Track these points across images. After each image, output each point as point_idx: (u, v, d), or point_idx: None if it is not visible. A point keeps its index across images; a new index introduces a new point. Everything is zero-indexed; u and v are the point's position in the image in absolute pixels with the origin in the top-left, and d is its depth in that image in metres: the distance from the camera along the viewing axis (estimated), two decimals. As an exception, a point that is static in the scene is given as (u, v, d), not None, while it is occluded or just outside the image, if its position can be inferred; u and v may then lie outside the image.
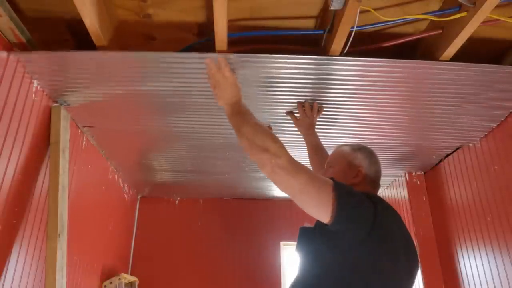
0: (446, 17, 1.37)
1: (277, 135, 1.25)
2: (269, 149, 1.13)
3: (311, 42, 1.55)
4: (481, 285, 1.96)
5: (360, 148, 1.39)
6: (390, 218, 1.17)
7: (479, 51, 1.55)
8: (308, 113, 1.74)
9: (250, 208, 3.31)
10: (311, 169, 1.64)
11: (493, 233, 1.88)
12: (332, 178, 1.11)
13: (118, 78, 1.64)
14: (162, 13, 1.48)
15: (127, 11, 1.47)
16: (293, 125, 1.86)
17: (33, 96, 1.65)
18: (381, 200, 1.19)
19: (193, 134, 2.11)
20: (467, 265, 2.09)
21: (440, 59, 1.48)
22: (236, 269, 3.10)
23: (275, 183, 1.13)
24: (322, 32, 1.47)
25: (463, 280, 2.12)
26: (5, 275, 1.49)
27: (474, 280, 2.02)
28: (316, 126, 1.79)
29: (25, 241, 1.61)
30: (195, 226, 3.25)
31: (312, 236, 1.17)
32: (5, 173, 1.48)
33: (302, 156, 1.95)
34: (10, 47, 1.51)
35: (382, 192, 2.99)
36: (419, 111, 1.80)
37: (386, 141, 2.11)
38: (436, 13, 1.41)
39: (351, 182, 1.28)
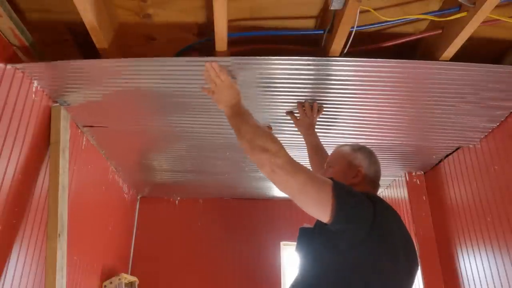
0: (446, 17, 1.37)
1: (277, 135, 1.26)
2: (269, 149, 1.13)
3: (311, 42, 1.55)
4: (481, 285, 1.96)
5: (360, 148, 1.39)
6: (390, 218, 1.17)
7: (479, 51, 1.55)
8: (308, 113, 1.74)
9: (250, 208, 3.31)
10: (311, 169, 1.64)
11: (493, 233, 1.88)
12: (331, 178, 1.11)
13: (118, 80, 1.64)
14: (162, 13, 1.48)
15: (127, 11, 1.47)
16: (293, 125, 1.86)
17: (33, 96, 1.65)
18: (381, 200, 1.19)
19: (193, 134, 2.11)
20: (467, 265, 2.09)
21: (440, 59, 1.48)
22: (236, 269, 3.10)
23: (275, 183, 1.13)
24: (322, 32, 1.47)
25: (463, 280, 2.12)
26: (5, 275, 1.50)
27: (474, 280, 2.02)
28: (316, 126, 1.79)
29: (25, 241, 1.61)
30: (195, 226, 3.25)
31: (311, 237, 1.17)
32: (5, 173, 1.48)
33: (302, 156, 1.95)
34: (10, 48, 1.51)
35: (382, 192, 2.99)
36: (419, 111, 1.79)
37: (386, 141, 2.11)
38: (436, 13, 1.41)
39: (351, 182, 1.28)
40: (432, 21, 1.46)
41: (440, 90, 1.63)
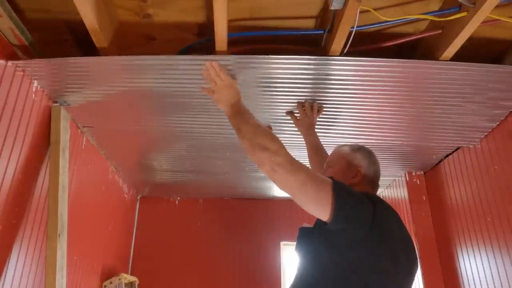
0: (446, 17, 1.37)
1: (277, 135, 1.26)
2: (269, 148, 1.13)
3: (311, 42, 1.55)
4: (481, 285, 1.96)
5: (359, 148, 1.39)
6: (390, 218, 1.17)
7: (479, 51, 1.55)
8: (308, 113, 1.74)
9: (250, 208, 3.31)
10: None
11: (493, 233, 1.88)
12: (331, 177, 1.11)
13: (118, 79, 1.64)
14: (162, 13, 1.48)
15: (127, 11, 1.47)
16: (293, 125, 1.86)
17: (33, 96, 1.65)
18: (380, 200, 1.19)
19: (193, 134, 2.11)
20: (467, 265, 2.09)
21: (440, 59, 1.48)
22: (236, 269, 3.10)
23: (275, 182, 1.13)
24: (322, 32, 1.47)
25: (463, 280, 2.12)
26: (5, 275, 1.50)
27: (474, 280, 2.02)
28: (316, 126, 1.79)
29: (25, 241, 1.61)
30: (195, 226, 3.25)
31: (311, 236, 1.17)
32: (5, 173, 1.48)
33: (302, 156, 1.95)
34: (10, 48, 1.51)
35: (382, 192, 2.99)
36: (419, 111, 1.79)
37: (386, 141, 2.11)
38: (436, 13, 1.41)
39: (350, 182, 1.28)
40: (432, 21, 1.46)
41: (440, 90, 1.63)
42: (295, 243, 1.24)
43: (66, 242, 1.66)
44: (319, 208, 1.07)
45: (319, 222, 1.14)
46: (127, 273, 2.95)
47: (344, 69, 1.53)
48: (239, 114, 1.34)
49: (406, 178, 2.59)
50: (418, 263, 1.29)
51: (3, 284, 1.48)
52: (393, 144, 2.15)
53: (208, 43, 1.52)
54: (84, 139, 2.16)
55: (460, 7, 1.34)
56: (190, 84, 1.64)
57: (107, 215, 2.61)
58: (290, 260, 3.17)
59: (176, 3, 1.43)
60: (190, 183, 2.96)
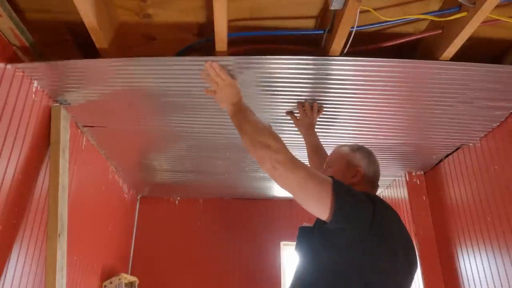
0: (446, 17, 1.37)
1: (277, 135, 1.26)
2: (270, 146, 1.14)
3: (311, 42, 1.55)
4: (481, 285, 1.96)
5: (359, 148, 1.39)
6: (390, 218, 1.17)
7: (479, 51, 1.55)
8: (308, 113, 1.74)
9: (250, 208, 3.31)
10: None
11: (493, 233, 1.88)
12: (331, 177, 1.11)
13: (118, 80, 1.64)
14: (162, 13, 1.48)
15: (127, 11, 1.47)
16: (293, 125, 1.86)
17: (33, 96, 1.65)
18: (380, 200, 1.19)
19: (193, 134, 2.11)
20: (467, 265, 2.09)
21: (440, 59, 1.48)
22: (236, 269, 3.10)
23: (275, 180, 1.13)
24: (322, 32, 1.47)
25: (463, 280, 2.12)
26: (5, 275, 1.50)
27: (474, 280, 2.02)
28: (316, 126, 1.79)
29: (25, 241, 1.61)
30: (195, 226, 3.25)
31: (311, 236, 1.17)
32: (5, 173, 1.48)
33: (302, 156, 1.95)
34: (10, 48, 1.51)
35: (382, 192, 2.99)
36: (419, 111, 1.79)
37: (386, 141, 2.11)
38: (436, 13, 1.41)
39: (350, 182, 1.28)
40: (432, 21, 1.46)
41: (440, 90, 1.63)
42: (295, 243, 1.24)
43: (66, 242, 1.66)
44: (319, 207, 1.07)
45: (319, 221, 1.14)
46: (127, 273, 2.95)
47: (344, 69, 1.53)
48: (241, 112, 1.35)
49: (406, 178, 2.59)
50: (418, 263, 1.29)
51: (3, 284, 1.48)
52: (393, 144, 2.15)
53: (208, 43, 1.52)
54: (84, 139, 2.16)
55: (460, 7, 1.34)
56: (190, 83, 1.64)
57: (107, 215, 2.61)
58: (290, 260, 3.17)
59: (176, 3, 1.43)
60: (190, 183, 2.96)
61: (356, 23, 1.34)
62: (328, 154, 1.54)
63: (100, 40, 1.44)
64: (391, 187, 2.84)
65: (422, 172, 2.60)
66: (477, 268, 2.00)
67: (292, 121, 1.85)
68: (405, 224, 1.27)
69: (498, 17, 1.35)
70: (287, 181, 1.11)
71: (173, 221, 3.27)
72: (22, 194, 1.59)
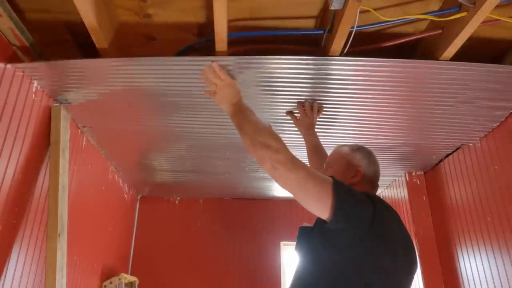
0: (446, 17, 1.37)
1: (277, 135, 1.26)
2: (270, 146, 1.14)
3: (311, 42, 1.55)
4: (481, 285, 1.96)
5: (358, 148, 1.39)
6: (390, 218, 1.17)
7: (479, 51, 1.55)
8: (308, 113, 1.74)
9: (250, 208, 3.31)
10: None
11: (493, 233, 1.88)
12: (332, 177, 1.11)
13: (118, 80, 1.64)
14: (162, 13, 1.48)
15: (127, 11, 1.47)
16: (293, 125, 1.86)
17: (33, 96, 1.65)
18: (380, 200, 1.19)
19: (193, 134, 2.11)
20: (467, 265, 2.09)
21: (440, 59, 1.48)
22: (236, 269, 3.10)
23: (275, 179, 1.13)
24: (322, 32, 1.47)
25: (463, 280, 2.12)
26: (5, 275, 1.50)
27: (474, 280, 2.02)
28: (316, 126, 1.79)
29: (25, 241, 1.61)
30: (195, 226, 3.25)
31: (311, 236, 1.17)
32: (5, 173, 1.48)
33: (302, 156, 1.94)
34: (10, 48, 1.51)
35: (382, 192, 2.99)
36: (419, 111, 1.79)
37: (386, 141, 2.11)
38: (436, 13, 1.41)
39: (350, 182, 1.28)
40: (432, 21, 1.46)
41: (440, 90, 1.63)
42: (295, 243, 1.24)
43: (66, 242, 1.66)
44: (319, 207, 1.07)
45: (319, 221, 1.14)
46: (127, 273, 2.95)
47: (344, 69, 1.53)
48: (241, 112, 1.35)
49: (406, 178, 2.59)
50: (418, 263, 1.29)
51: (3, 284, 1.48)
52: (393, 144, 2.15)
53: (208, 43, 1.52)
54: (84, 139, 2.16)
55: (460, 7, 1.34)
56: (190, 83, 1.64)
57: (107, 215, 2.61)
58: (290, 260, 3.17)
59: (176, 3, 1.43)
60: (190, 183, 2.96)
61: (356, 23, 1.34)
62: (328, 154, 1.54)
63: (100, 40, 1.44)
64: (391, 187, 2.84)
65: (422, 172, 2.60)
66: (477, 268, 2.00)
67: (292, 121, 1.85)
68: (405, 224, 1.27)
69: (498, 17, 1.35)
70: (287, 181, 1.11)
71: (173, 221, 3.27)
72: (22, 194, 1.59)
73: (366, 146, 1.44)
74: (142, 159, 2.55)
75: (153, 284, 3.02)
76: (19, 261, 1.58)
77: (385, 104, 1.75)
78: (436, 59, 1.49)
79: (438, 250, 2.38)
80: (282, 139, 1.21)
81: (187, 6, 1.44)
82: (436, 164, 2.44)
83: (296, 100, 1.75)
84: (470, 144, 2.08)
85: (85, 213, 2.19)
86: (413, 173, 2.60)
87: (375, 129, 1.97)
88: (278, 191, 3.11)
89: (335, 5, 1.29)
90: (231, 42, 1.48)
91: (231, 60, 1.47)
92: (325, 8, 1.43)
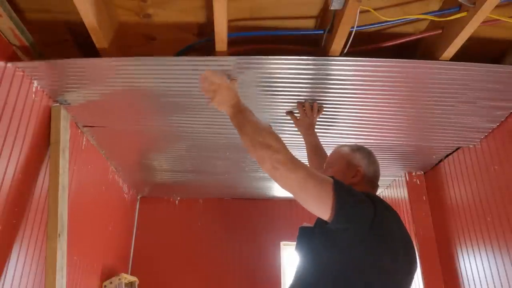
0: (446, 17, 1.37)
1: (277, 135, 1.26)
2: (270, 146, 1.14)
3: (311, 42, 1.55)
4: (481, 285, 1.96)
5: (359, 148, 1.39)
6: (390, 218, 1.17)
7: (479, 51, 1.55)
8: (308, 113, 1.74)
9: (250, 208, 3.31)
10: (311, 169, 1.64)
11: (493, 233, 1.88)
12: (332, 177, 1.11)
13: (118, 80, 1.65)
14: (162, 13, 1.48)
15: (127, 11, 1.47)
16: (293, 125, 1.86)
17: (33, 96, 1.65)
18: (380, 200, 1.19)
19: (193, 134, 2.11)
20: (467, 265, 2.09)
21: (440, 59, 1.48)
22: (236, 269, 3.10)
23: (276, 180, 1.13)
24: (322, 32, 1.47)
25: (463, 280, 2.12)
26: (5, 275, 1.50)
27: (474, 280, 2.02)
28: (316, 126, 1.79)
29: (25, 241, 1.61)
30: (195, 226, 3.25)
31: (311, 236, 1.17)
32: (5, 173, 1.48)
33: (302, 156, 1.95)
34: (10, 48, 1.51)
35: (382, 192, 2.99)
36: (419, 111, 1.79)
37: (386, 141, 2.11)
38: (436, 13, 1.41)
39: (350, 182, 1.28)
40: (432, 21, 1.46)
41: (440, 90, 1.63)
42: (295, 243, 1.24)
43: (66, 242, 1.66)
44: (320, 207, 1.07)
45: (319, 221, 1.14)
46: (127, 273, 2.95)
47: (344, 69, 1.53)
48: (240, 113, 1.35)
49: (406, 178, 2.59)
50: (418, 263, 1.29)
51: (3, 284, 1.48)
52: (393, 144, 2.15)
53: (208, 43, 1.52)
54: (84, 139, 2.16)
55: (460, 7, 1.34)
56: (190, 84, 1.64)
57: (107, 215, 2.61)
58: (290, 260, 3.17)
59: (176, 3, 1.43)
60: (190, 183, 2.96)
61: (356, 23, 1.34)
62: (328, 154, 1.54)
63: (100, 40, 1.44)
64: (391, 187, 2.84)
65: (422, 172, 2.60)
66: (477, 268, 2.00)
67: (292, 121, 1.85)
68: (405, 224, 1.27)
69: (498, 17, 1.35)
70: (287, 181, 1.11)
71: (173, 221, 3.27)
72: (22, 194, 1.59)
73: (366, 146, 1.44)
74: (142, 159, 2.55)
75: (153, 284, 3.02)
76: (19, 261, 1.58)
77: (385, 104, 1.75)
78: (436, 59, 1.49)
79: (438, 250, 2.38)
80: (282, 139, 1.21)
81: (187, 6, 1.44)
82: (436, 164, 2.44)
83: (296, 100, 1.75)
84: (470, 144, 2.08)
85: (85, 213, 2.19)
86: (413, 173, 2.60)
87: (375, 129, 1.97)
88: (278, 191, 3.11)
89: (335, 5, 1.29)
90: (231, 42, 1.48)
91: (230, 61, 1.47)
92: (325, 8, 1.43)
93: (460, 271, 2.15)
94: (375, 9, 1.36)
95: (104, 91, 1.73)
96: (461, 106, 1.73)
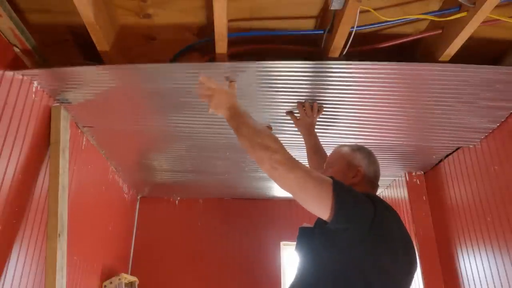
0: (446, 17, 1.37)
1: (277, 135, 1.26)
2: (269, 147, 1.14)
3: (311, 42, 1.55)
4: (481, 285, 1.96)
5: (359, 148, 1.39)
6: (390, 218, 1.17)
7: (479, 51, 1.55)
8: (308, 113, 1.74)
9: (250, 208, 3.31)
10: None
11: (493, 233, 1.88)
12: (331, 177, 1.11)
13: (118, 81, 1.65)
14: (162, 13, 1.48)
15: (127, 11, 1.47)
16: (293, 125, 1.86)
17: (33, 96, 1.65)
18: (380, 200, 1.19)
19: (193, 134, 2.11)
20: (467, 265, 2.09)
21: (440, 59, 1.48)
22: (236, 269, 3.10)
23: (275, 180, 1.13)
24: (322, 32, 1.47)
25: (463, 280, 2.12)
26: (5, 275, 1.50)
27: (474, 280, 2.02)
28: (316, 126, 1.79)
29: (25, 241, 1.61)
30: (195, 226, 3.25)
31: (311, 236, 1.17)
32: (5, 173, 1.48)
33: (302, 156, 1.95)
34: (10, 48, 1.51)
35: (382, 192, 2.99)
36: (419, 112, 1.79)
37: (386, 141, 2.11)
38: (436, 13, 1.41)
39: (351, 182, 1.28)
40: (432, 21, 1.46)
41: (439, 91, 1.63)
42: (295, 243, 1.24)
43: (66, 242, 1.66)
44: (320, 207, 1.07)
45: (319, 221, 1.14)
46: (127, 273, 2.95)
47: (343, 71, 1.53)
48: (237, 115, 1.35)
49: (406, 178, 2.59)
50: (418, 263, 1.29)
51: (3, 284, 1.48)
52: (393, 144, 2.15)
53: (208, 43, 1.52)
54: (84, 139, 2.16)
55: (460, 7, 1.34)
56: (190, 84, 1.64)
57: (107, 215, 2.61)
58: (290, 260, 3.17)
59: (176, 3, 1.43)
60: (190, 183, 2.96)
61: (356, 23, 1.34)
62: (328, 154, 1.54)
63: (100, 40, 1.44)
64: (391, 187, 2.84)
65: (422, 172, 2.60)
66: (477, 268, 2.00)
67: (292, 121, 1.85)
68: (405, 224, 1.27)
69: (498, 17, 1.35)
70: (286, 181, 1.11)
71: (173, 221, 3.27)
72: (22, 194, 1.59)
73: (366, 146, 1.44)
74: (142, 159, 2.55)
75: (153, 284, 3.02)
76: (19, 261, 1.58)
77: (385, 104, 1.75)
78: (436, 59, 1.49)
79: (438, 250, 2.38)
80: (282, 139, 1.21)
81: (187, 6, 1.44)
82: (436, 164, 2.44)
83: (296, 100, 1.75)
84: (470, 145, 2.08)
85: (85, 213, 2.19)
86: (413, 173, 2.59)
87: (375, 129, 1.97)
88: (278, 191, 3.11)
89: (335, 5, 1.29)
90: (231, 42, 1.48)
91: (230, 66, 1.48)
92: (325, 8, 1.43)
93: (460, 271, 2.15)
94: (375, 9, 1.36)
95: (104, 92, 1.73)
96: (461, 106, 1.73)
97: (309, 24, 1.52)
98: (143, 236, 3.20)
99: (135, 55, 1.66)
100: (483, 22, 1.32)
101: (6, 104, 1.47)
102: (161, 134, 2.14)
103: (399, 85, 1.60)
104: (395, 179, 2.76)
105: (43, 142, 1.73)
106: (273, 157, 1.11)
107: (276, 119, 1.91)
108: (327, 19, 1.43)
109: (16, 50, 1.53)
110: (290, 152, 1.16)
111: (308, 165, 1.74)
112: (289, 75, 1.56)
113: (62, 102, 1.81)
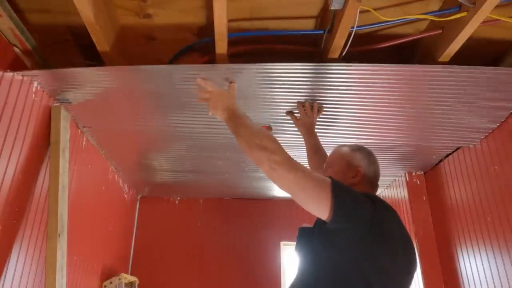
0: (446, 17, 1.37)
1: (277, 135, 1.27)
2: (267, 147, 1.14)
3: (311, 42, 1.55)
4: (481, 285, 1.96)
5: (359, 148, 1.39)
6: (390, 218, 1.17)
7: (479, 51, 1.55)
8: (308, 113, 1.74)
9: (250, 208, 3.31)
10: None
11: (493, 233, 1.88)
12: (330, 177, 1.11)
13: (118, 81, 1.65)
14: (162, 13, 1.48)
15: (127, 11, 1.47)
16: (293, 125, 1.86)
17: (33, 96, 1.65)
18: (380, 200, 1.19)
19: (193, 134, 2.11)
20: (467, 265, 2.09)
21: (440, 59, 1.48)
22: (236, 269, 3.10)
23: (274, 181, 1.13)
24: (322, 32, 1.47)
25: (463, 280, 2.12)
26: (5, 275, 1.50)
27: (474, 280, 2.02)
28: (316, 126, 1.79)
29: (25, 241, 1.61)
30: (195, 226, 3.25)
31: (311, 236, 1.17)
32: (5, 173, 1.48)
33: (302, 156, 1.95)
34: (10, 48, 1.51)
35: (382, 192, 2.99)
36: (419, 112, 1.79)
37: (386, 141, 2.11)
38: (436, 13, 1.41)
39: (350, 182, 1.28)
40: (432, 21, 1.46)
41: (439, 91, 1.63)
42: (295, 243, 1.24)
43: (66, 242, 1.67)
44: (319, 207, 1.07)
45: (319, 221, 1.14)
46: (127, 273, 2.95)
47: (344, 73, 1.53)
48: (235, 117, 1.35)
49: (406, 178, 2.59)
50: (418, 263, 1.29)
51: (3, 284, 1.48)
52: (393, 144, 2.15)
53: (208, 43, 1.52)
54: (84, 139, 2.16)
55: (460, 7, 1.34)
56: (189, 84, 1.64)
57: (107, 215, 2.61)
58: (290, 260, 3.17)
59: (176, 3, 1.43)
60: (190, 183, 2.96)
61: (356, 23, 1.34)
62: (328, 154, 1.54)
63: (100, 40, 1.44)
64: (391, 187, 2.84)
65: (422, 172, 2.60)
66: (477, 268, 2.00)
67: (292, 121, 1.85)
68: (405, 224, 1.27)
69: (498, 17, 1.35)
70: (285, 181, 1.11)
71: (173, 221, 3.27)
72: (22, 194, 1.59)
73: (366, 146, 1.44)
74: (142, 159, 2.55)
75: (153, 284, 3.02)
76: (19, 261, 1.58)
77: (385, 105, 1.75)
78: (436, 59, 1.49)
79: (438, 250, 2.38)
80: (282, 139, 1.21)
81: (187, 6, 1.45)
82: (436, 164, 2.44)
83: (296, 100, 1.75)
84: (470, 145, 2.08)
85: (85, 213, 2.19)
86: (413, 173, 2.59)
87: (375, 129, 1.97)
88: (278, 191, 3.11)
89: (335, 5, 1.29)
90: (231, 42, 1.48)
91: (229, 67, 1.48)
92: (325, 8, 1.43)
93: (460, 271, 2.15)
94: (375, 9, 1.36)
95: (104, 92, 1.73)
96: (461, 106, 1.73)
97: (309, 24, 1.52)
98: (143, 236, 3.20)
99: (135, 55, 1.66)
100: (483, 22, 1.32)
101: (6, 104, 1.47)
102: (161, 134, 2.14)
103: (399, 85, 1.60)
104: (395, 179, 2.76)
105: (43, 142, 1.73)
106: (272, 157, 1.11)
107: (276, 119, 1.91)
108: (327, 19, 1.43)
109: (16, 50, 1.53)
110: (290, 152, 1.16)
111: (308, 165, 1.74)
112: (289, 76, 1.56)
113: (62, 102, 1.81)
